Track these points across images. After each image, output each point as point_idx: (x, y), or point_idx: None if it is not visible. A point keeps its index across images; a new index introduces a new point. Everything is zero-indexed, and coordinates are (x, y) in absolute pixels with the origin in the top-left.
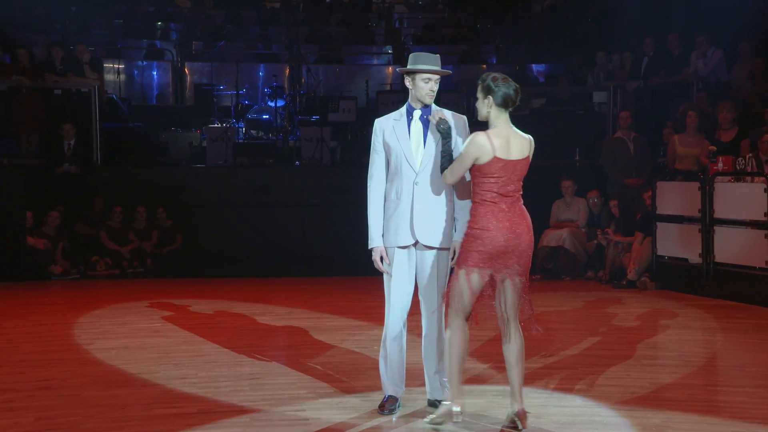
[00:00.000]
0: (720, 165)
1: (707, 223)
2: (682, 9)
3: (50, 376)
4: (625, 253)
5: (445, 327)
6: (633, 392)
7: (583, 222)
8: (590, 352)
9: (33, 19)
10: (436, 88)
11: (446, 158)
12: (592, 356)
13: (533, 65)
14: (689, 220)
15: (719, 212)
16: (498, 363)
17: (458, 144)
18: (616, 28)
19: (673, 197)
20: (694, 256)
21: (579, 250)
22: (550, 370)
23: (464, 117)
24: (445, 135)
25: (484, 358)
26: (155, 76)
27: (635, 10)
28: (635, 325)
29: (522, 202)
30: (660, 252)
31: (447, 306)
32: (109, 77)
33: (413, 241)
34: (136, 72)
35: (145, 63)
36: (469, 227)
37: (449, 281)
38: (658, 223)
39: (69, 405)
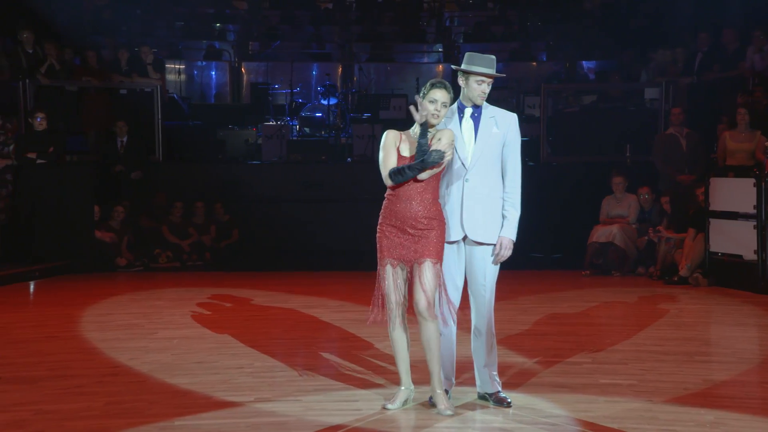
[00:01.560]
0: None
1: (763, 219)
2: (737, 4)
3: (117, 363)
4: (677, 250)
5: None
6: (686, 388)
7: (633, 218)
8: (641, 348)
9: (101, 22)
10: (488, 90)
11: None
12: (643, 352)
13: (583, 62)
14: (744, 216)
15: None
16: (546, 357)
17: (512, 139)
18: (669, 24)
19: (728, 193)
20: (749, 253)
21: (629, 246)
22: (600, 365)
23: (514, 114)
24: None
25: (533, 353)
26: (214, 76)
27: (689, 6)
28: (688, 321)
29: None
30: (713, 248)
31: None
32: (170, 77)
33: (462, 236)
34: (195, 72)
35: (204, 63)
36: (443, 220)
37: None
38: (711, 220)
39: (135, 391)
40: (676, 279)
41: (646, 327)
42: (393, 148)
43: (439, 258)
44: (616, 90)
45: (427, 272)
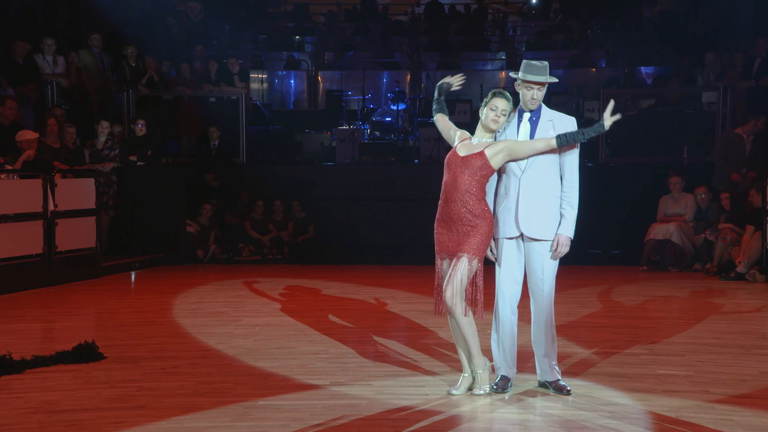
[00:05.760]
0: None
1: None
2: None
3: (207, 347)
4: (734, 247)
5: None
6: (742, 380)
7: (690, 217)
8: (698, 340)
9: (194, 38)
10: (539, 95)
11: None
12: (700, 344)
13: (642, 68)
14: None
15: None
16: (604, 348)
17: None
18: (727, 31)
19: None
20: None
21: (686, 243)
22: (657, 357)
23: (573, 118)
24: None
25: (591, 344)
26: (293, 84)
27: (748, 12)
28: (744, 315)
29: None
30: None
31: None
32: (254, 86)
33: (518, 233)
34: (276, 81)
35: (284, 73)
36: (490, 219)
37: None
38: (767, 218)
39: (223, 372)
40: (732, 275)
41: (702, 320)
42: (457, 136)
43: (477, 254)
44: (674, 94)
45: (459, 266)
